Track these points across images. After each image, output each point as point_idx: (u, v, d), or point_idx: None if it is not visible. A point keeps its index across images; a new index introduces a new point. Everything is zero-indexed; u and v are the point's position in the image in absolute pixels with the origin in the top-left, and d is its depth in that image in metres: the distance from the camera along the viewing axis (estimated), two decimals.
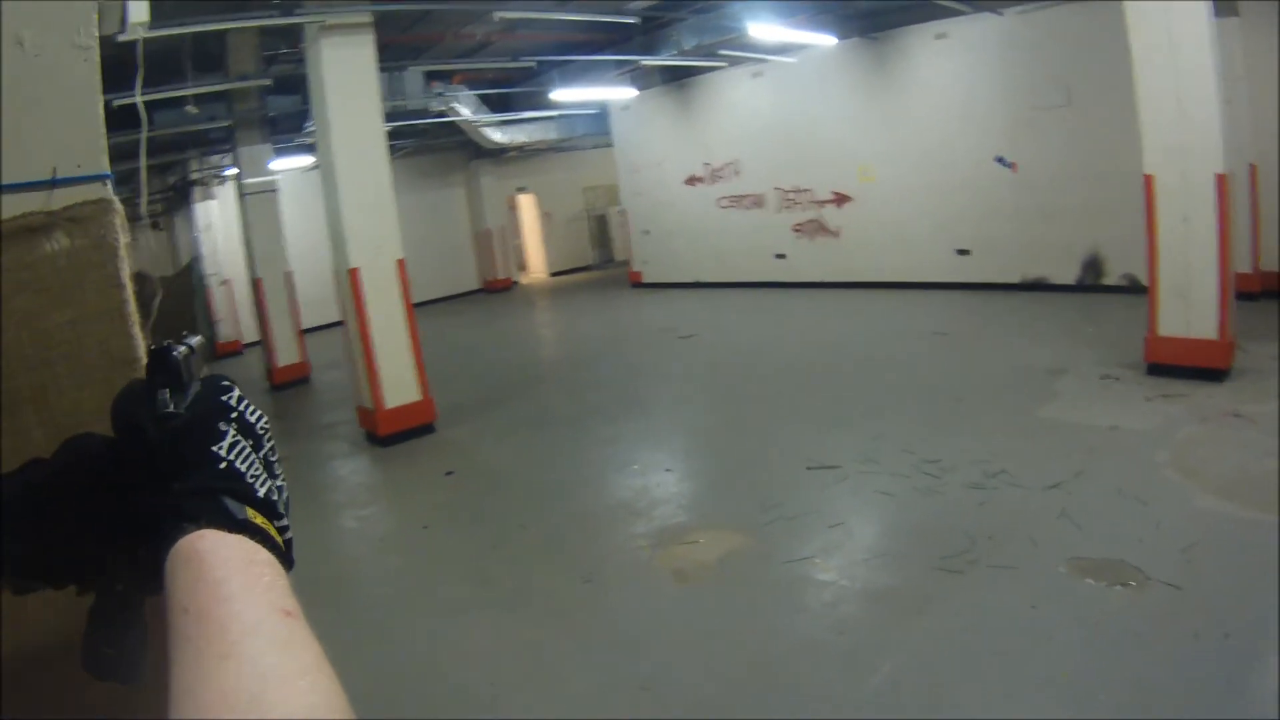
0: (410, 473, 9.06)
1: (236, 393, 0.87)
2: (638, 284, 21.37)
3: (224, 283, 19.59)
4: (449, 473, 8.73)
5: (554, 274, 26.84)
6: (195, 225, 19.82)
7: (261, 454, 0.84)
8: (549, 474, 8.35)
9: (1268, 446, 6.40)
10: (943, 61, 14.21)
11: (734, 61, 16.63)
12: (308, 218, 17.18)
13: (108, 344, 0.96)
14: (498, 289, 25.18)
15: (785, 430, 8.68)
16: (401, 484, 8.89)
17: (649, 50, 14.23)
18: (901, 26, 14.54)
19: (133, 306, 0.98)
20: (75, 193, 0.97)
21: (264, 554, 0.74)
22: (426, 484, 8.61)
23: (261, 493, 0.80)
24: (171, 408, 0.81)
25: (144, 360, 0.97)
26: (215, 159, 18.52)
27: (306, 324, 15.99)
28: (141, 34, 3.36)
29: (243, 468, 0.80)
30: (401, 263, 9.77)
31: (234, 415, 0.84)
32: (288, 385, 14.54)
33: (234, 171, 15.15)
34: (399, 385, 9.80)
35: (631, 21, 12.09)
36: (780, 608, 5.23)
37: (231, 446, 0.80)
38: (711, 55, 15.42)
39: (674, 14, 12.97)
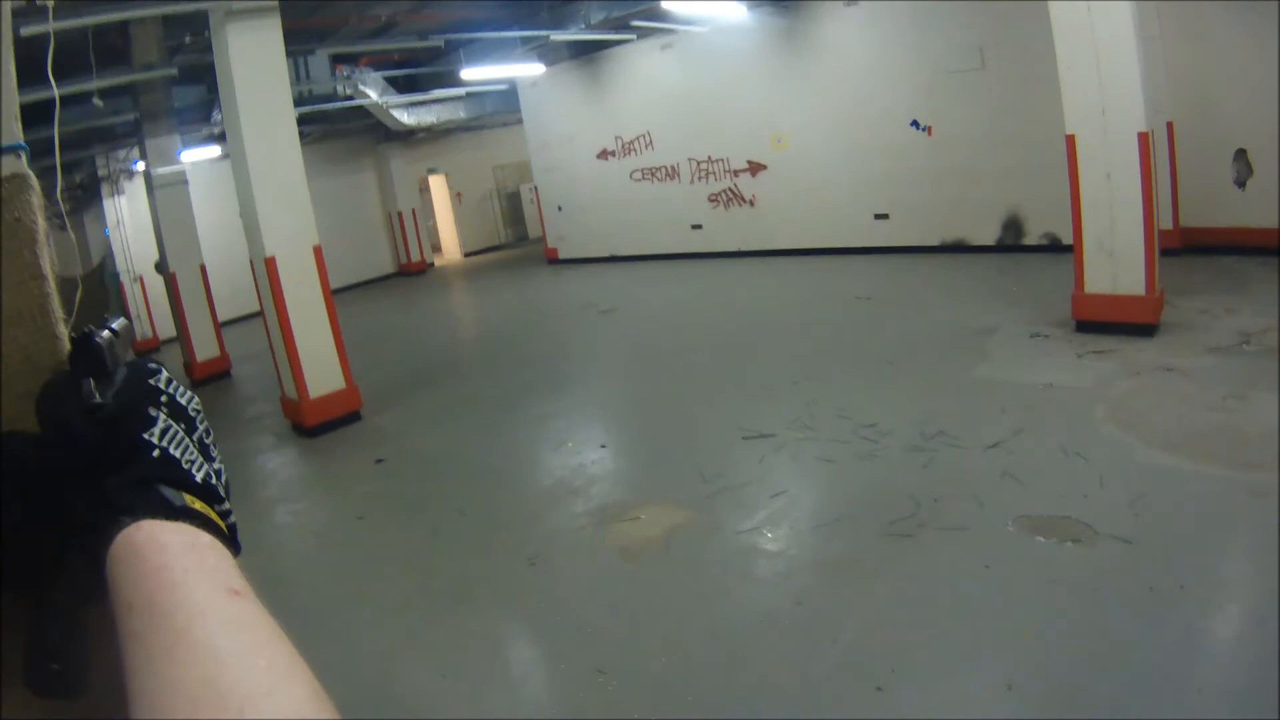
0: (340, 463, 8.86)
1: (165, 375, 0.81)
2: (554, 260, 21.35)
3: (137, 279, 19.10)
4: (380, 460, 8.55)
5: (468, 254, 26.81)
6: (105, 222, 19.27)
7: (195, 437, 0.79)
8: (481, 456, 8.20)
9: (1203, 399, 6.47)
10: (854, 27, 14.19)
11: (643, 34, 16.55)
12: (220, 209, 16.84)
13: (31, 349, 0.80)
14: (413, 272, 25.05)
15: (716, 400, 8.63)
16: (332, 475, 8.68)
17: (557, 25, 14.09)
18: None
19: (56, 301, 0.82)
20: None
21: (205, 537, 0.69)
22: (358, 473, 8.41)
23: (199, 477, 0.74)
24: (98, 398, 0.72)
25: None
26: (122, 154, 18.05)
27: (224, 316, 15.64)
28: (51, 3, 3.17)
29: (177, 453, 0.74)
30: (318, 249, 9.53)
31: (164, 399, 0.78)
32: (208, 380, 14.17)
33: (142, 166, 14.71)
34: (323, 374, 9.60)
35: None
36: (732, 581, 5.17)
37: (164, 432, 0.74)
38: (620, 28, 15.33)
39: None
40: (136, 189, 18.19)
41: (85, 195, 19.64)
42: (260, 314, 9.99)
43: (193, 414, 0.81)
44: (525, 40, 14.86)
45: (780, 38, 15.24)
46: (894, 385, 8.12)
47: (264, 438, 10.17)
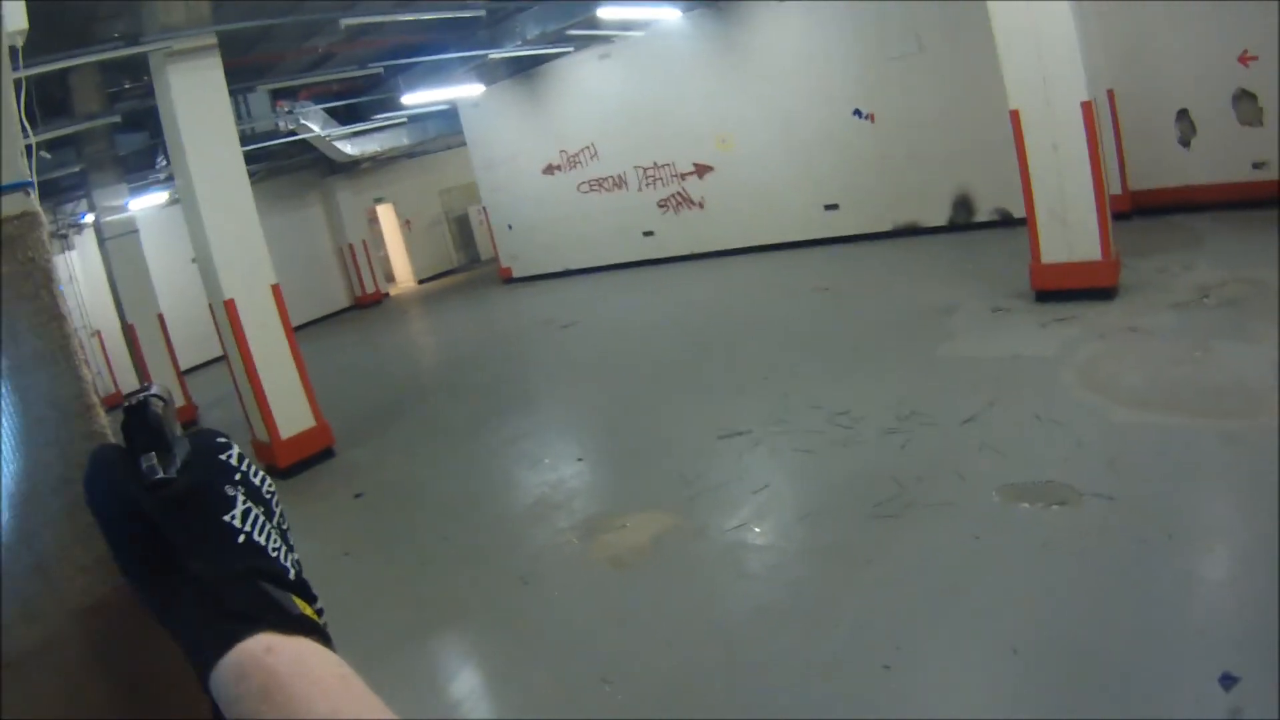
0: (319, 501, 8.76)
1: (236, 451, 0.74)
2: (509, 280, 21.36)
3: (95, 334, 18.86)
4: (358, 495, 8.50)
5: (422, 281, 26.74)
6: (59, 279, 18.98)
7: (275, 522, 0.72)
8: (460, 481, 8.16)
9: (1169, 354, 6.56)
10: (790, 21, 14.27)
11: (580, 45, 16.63)
12: (173, 255, 16.66)
13: (55, 392, 0.75)
14: (369, 304, 24.90)
15: (688, 403, 8.65)
16: (312, 513, 8.57)
17: (494, 43, 14.09)
18: None
19: (76, 341, 0.79)
20: None
21: (342, 663, 0.64)
22: (338, 510, 8.35)
23: (292, 572, 0.69)
24: (162, 473, 0.66)
25: (99, 405, 0.79)
26: (70, 207, 17.82)
27: (186, 364, 15.50)
28: (20, 42, 3.14)
29: (262, 540, 0.68)
30: (277, 288, 9.46)
31: (239, 477, 0.71)
32: None
33: (90, 218, 14.56)
34: (292, 413, 9.50)
35: (476, 15, 11.90)
36: (725, 579, 5.18)
37: (244, 515, 0.68)
38: (558, 40, 15.36)
39: (518, 2, 12.83)
40: (87, 242, 17.96)
41: None
42: (223, 358, 9.89)
43: (268, 496, 0.74)
44: (464, 61, 14.86)
45: (717, 38, 15.30)
46: (863, 371, 8.17)
47: None
